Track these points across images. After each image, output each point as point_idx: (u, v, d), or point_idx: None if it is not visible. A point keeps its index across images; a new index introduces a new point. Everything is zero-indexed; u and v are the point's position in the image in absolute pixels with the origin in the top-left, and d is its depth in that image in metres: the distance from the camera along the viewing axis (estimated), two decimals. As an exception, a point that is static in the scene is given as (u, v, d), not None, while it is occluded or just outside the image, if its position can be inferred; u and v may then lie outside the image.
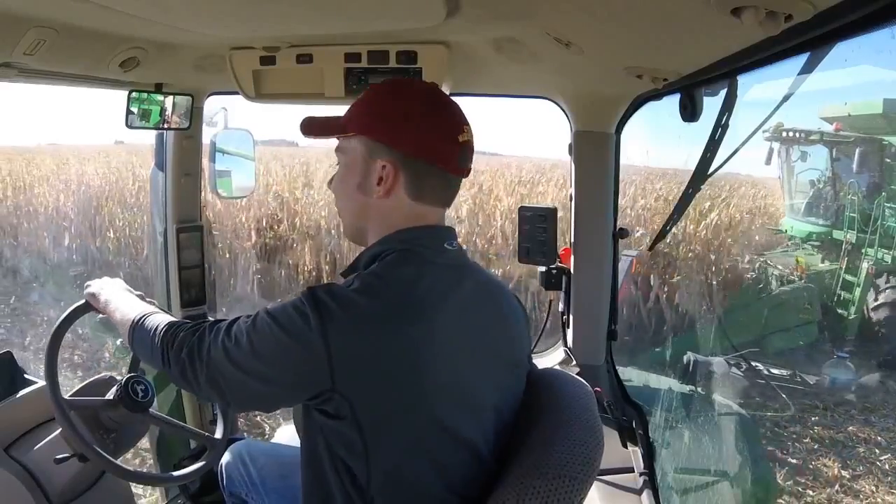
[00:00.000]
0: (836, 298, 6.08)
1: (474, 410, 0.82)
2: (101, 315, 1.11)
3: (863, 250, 6.06)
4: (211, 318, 0.91)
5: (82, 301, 1.13)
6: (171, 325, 0.90)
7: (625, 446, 1.40)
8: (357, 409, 0.75)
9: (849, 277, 6.07)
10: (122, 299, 1.06)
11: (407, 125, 0.84)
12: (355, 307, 0.76)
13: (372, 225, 0.88)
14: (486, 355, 0.84)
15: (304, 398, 0.80)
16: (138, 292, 1.11)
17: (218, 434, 1.23)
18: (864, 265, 5.93)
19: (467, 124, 0.86)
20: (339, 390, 0.75)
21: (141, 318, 0.96)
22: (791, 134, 6.92)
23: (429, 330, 0.78)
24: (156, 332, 0.91)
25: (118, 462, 1.10)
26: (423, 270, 0.81)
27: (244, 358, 0.78)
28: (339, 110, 0.91)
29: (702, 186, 1.31)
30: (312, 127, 0.93)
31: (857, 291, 5.92)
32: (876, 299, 5.89)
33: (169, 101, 1.51)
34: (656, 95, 1.27)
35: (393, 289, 0.79)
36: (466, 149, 0.86)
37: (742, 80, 0.99)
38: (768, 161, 7.09)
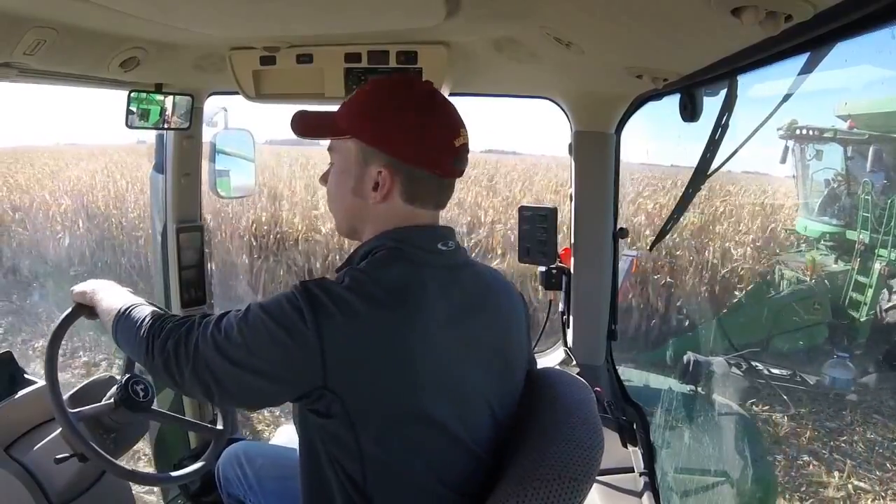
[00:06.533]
0: (847, 299, 5.97)
1: (467, 408, 0.82)
2: (95, 317, 1.07)
3: (876, 251, 5.92)
4: None
5: (72, 306, 1.09)
6: (158, 316, 0.88)
7: (625, 446, 1.40)
8: (348, 407, 0.76)
9: (861, 278, 5.93)
10: (110, 292, 1.04)
11: (403, 131, 0.83)
12: (347, 305, 0.76)
13: (367, 225, 0.88)
14: (480, 354, 0.84)
15: (294, 395, 0.79)
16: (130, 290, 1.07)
17: (220, 428, 1.23)
18: (877, 266, 5.80)
19: (463, 126, 0.86)
20: (330, 387, 0.75)
21: (128, 308, 0.94)
22: (805, 132, 6.74)
23: (418, 329, 0.78)
24: (142, 322, 0.88)
25: (118, 462, 1.10)
26: (412, 270, 0.82)
27: (235, 351, 0.77)
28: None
29: (702, 186, 1.31)
30: (306, 126, 0.92)
31: (870, 293, 5.79)
32: (889, 300, 5.81)
33: (169, 101, 1.51)
34: (656, 95, 1.27)
35: (382, 288, 0.78)
36: (462, 152, 0.86)
37: (742, 80, 0.99)
38: (783, 160, 6.90)
